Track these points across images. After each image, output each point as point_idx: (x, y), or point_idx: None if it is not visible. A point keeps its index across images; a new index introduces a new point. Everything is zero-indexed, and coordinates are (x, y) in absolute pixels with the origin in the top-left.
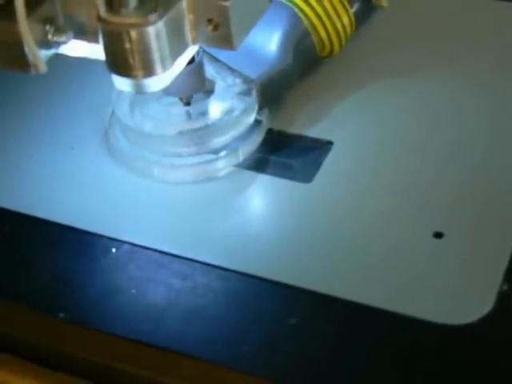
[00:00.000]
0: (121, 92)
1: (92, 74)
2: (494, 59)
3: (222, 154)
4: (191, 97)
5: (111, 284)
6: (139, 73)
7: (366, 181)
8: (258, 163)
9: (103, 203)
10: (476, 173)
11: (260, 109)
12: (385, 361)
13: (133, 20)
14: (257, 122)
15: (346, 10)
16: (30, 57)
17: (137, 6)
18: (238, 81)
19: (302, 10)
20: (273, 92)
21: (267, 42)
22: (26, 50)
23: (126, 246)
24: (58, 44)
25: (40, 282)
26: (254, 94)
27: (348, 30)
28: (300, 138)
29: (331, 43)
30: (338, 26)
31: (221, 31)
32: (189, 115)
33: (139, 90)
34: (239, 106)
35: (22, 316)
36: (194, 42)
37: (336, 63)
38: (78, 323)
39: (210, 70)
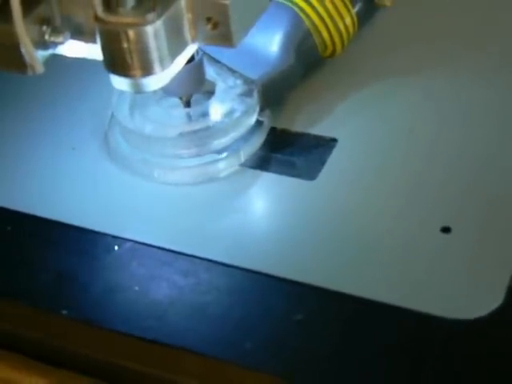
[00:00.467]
0: (121, 94)
1: (93, 75)
2: (496, 58)
3: (224, 155)
4: (191, 97)
5: (114, 281)
6: (137, 72)
7: (371, 177)
8: (262, 161)
9: (105, 202)
10: (483, 168)
11: (262, 110)
12: (392, 356)
13: (130, 19)
14: (258, 123)
15: (348, 10)
16: (26, 57)
17: (134, 5)
18: (238, 82)
19: (303, 11)
20: (275, 93)
21: (269, 42)
22: (23, 50)
23: (129, 244)
24: (55, 44)
25: (43, 280)
26: (255, 95)
27: (350, 30)
28: (304, 135)
29: (333, 44)
30: (341, 26)
31: (220, 30)
32: (189, 117)
33: (138, 90)
34: (240, 107)
35: (26, 314)
36: (193, 41)
37: (338, 64)
38: (82, 321)
39: (210, 72)
